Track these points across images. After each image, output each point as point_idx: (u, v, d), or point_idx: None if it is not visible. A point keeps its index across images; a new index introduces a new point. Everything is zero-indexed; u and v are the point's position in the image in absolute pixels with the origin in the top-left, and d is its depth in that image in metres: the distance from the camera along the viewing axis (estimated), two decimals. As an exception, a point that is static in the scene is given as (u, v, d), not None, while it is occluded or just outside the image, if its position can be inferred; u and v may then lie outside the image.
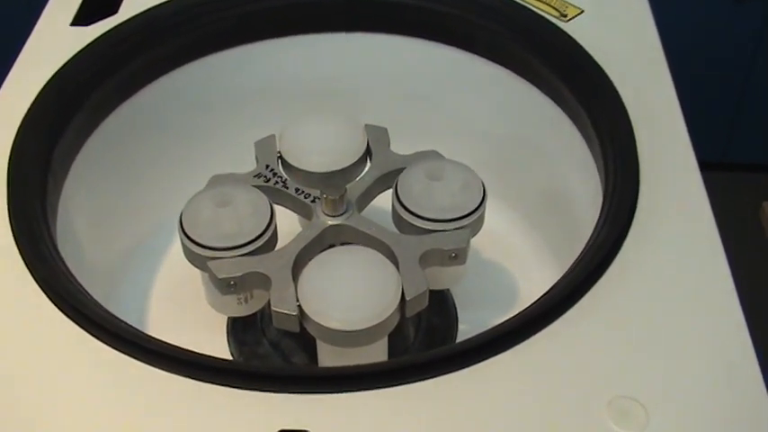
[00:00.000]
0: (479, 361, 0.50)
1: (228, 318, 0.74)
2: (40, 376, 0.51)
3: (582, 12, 0.76)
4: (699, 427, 0.47)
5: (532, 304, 0.53)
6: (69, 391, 0.50)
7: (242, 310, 0.71)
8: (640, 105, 0.67)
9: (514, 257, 0.80)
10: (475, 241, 0.66)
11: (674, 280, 0.55)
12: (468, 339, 0.52)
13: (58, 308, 0.54)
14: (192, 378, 0.49)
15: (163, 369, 0.50)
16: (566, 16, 0.75)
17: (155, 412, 0.49)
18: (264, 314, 0.73)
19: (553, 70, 0.72)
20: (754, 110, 1.42)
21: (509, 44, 0.75)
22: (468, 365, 0.49)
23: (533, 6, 0.76)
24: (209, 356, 0.52)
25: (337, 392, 0.49)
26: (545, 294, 0.54)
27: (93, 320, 0.53)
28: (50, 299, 0.54)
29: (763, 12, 1.31)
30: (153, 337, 0.53)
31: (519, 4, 0.76)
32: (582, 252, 0.57)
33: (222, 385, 0.49)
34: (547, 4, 0.76)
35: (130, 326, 0.54)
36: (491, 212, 0.68)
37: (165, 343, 0.53)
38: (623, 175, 0.62)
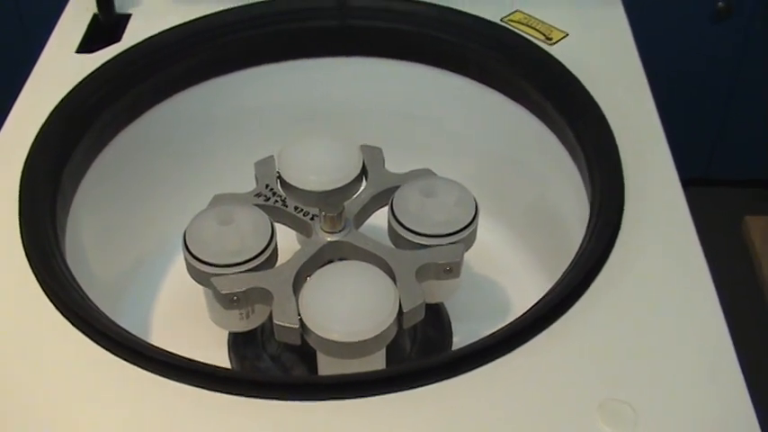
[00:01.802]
0: (476, 367, 0.52)
1: (229, 333, 0.76)
2: (50, 384, 0.53)
3: (566, 35, 0.79)
4: (685, 425, 0.50)
5: (525, 313, 0.56)
6: (78, 399, 0.52)
7: (243, 326, 0.73)
8: (623, 123, 0.70)
9: (505, 272, 0.83)
10: (468, 257, 0.69)
11: (658, 289, 0.58)
12: (464, 347, 0.55)
13: (68, 320, 0.56)
14: (197, 386, 0.52)
15: (168, 378, 0.52)
16: (551, 39, 0.79)
17: (160, 419, 0.51)
18: (265, 329, 0.76)
19: (540, 91, 0.75)
20: (735, 127, 1.46)
21: (499, 67, 0.78)
22: (464, 372, 0.52)
23: (521, 31, 0.79)
24: (213, 366, 0.54)
25: (337, 399, 0.51)
26: (536, 304, 0.57)
27: (101, 331, 0.55)
28: (60, 311, 0.57)
29: (743, 29, 1.35)
30: (159, 348, 0.56)
31: (508, 29, 0.80)
32: (570, 263, 0.60)
33: (225, 393, 0.51)
34: (534, 29, 0.79)
35: (137, 337, 0.57)
36: (483, 229, 0.71)
37: (171, 353, 0.55)
38: (609, 189, 0.65)
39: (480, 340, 0.55)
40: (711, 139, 1.46)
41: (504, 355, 0.53)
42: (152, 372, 0.53)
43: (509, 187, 0.84)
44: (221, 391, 0.51)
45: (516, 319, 0.56)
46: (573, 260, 0.60)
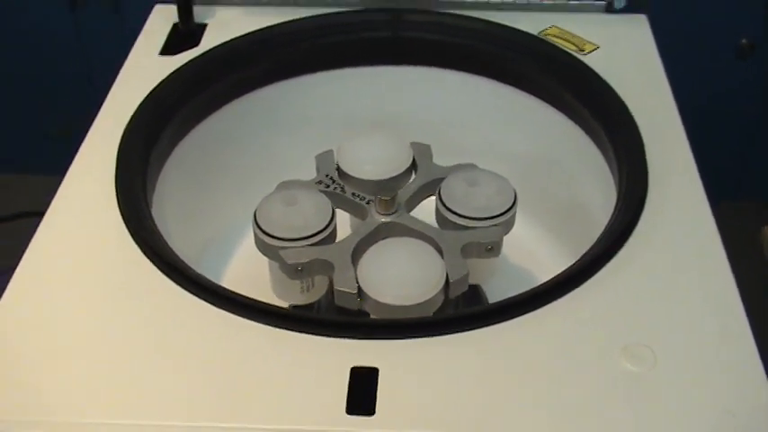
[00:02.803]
0: (515, 317, 0.60)
1: (290, 306, 0.84)
2: (152, 337, 0.61)
3: (597, 47, 0.88)
4: (697, 365, 0.57)
5: (559, 274, 0.64)
6: (176, 346, 0.60)
7: (304, 299, 0.81)
8: (649, 126, 0.78)
9: (539, 262, 0.91)
10: (505, 248, 0.77)
11: (677, 257, 0.66)
12: (509, 298, 0.63)
13: (163, 272, 0.65)
14: (280, 327, 0.60)
15: (255, 321, 0.60)
16: (583, 51, 0.87)
17: (245, 356, 0.59)
18: (321, 304, 0.84)
19: (576, 97, 0.84)
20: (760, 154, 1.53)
21: (537, 75, 0.87)
22: (509, 319, 0.60)
23: (556, 42, 0.88)
24: (293, 310, 0.62)
25: (401, 338, 0.59)
26: (570, 267, 0.65)
27: (196, 282, 0.64)
28: (156, 265, 0.65)
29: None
30: (246, 296, 0.64)
31: (544, 40, 0.89)
32: (599, 236, 0.68)
33: (304, 333, 0.59)
34: (568, 41, 0.88)
35: (226, 288, 0.65)
36: (519, 224, 0.79)
37: (258, 301, 0.63)
38: (634, 178, 0.73)
39: (525, 292, 0.63)
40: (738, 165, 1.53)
41: (540, 307, 0.61)
42: (242, 316, 0.61)
43: (545, 186, 0.91)
44: (301, 332, 0.60)
45: (556, 275, 0.64)
46: (601, 234, 0.68)
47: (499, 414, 0.55)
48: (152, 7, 0.96)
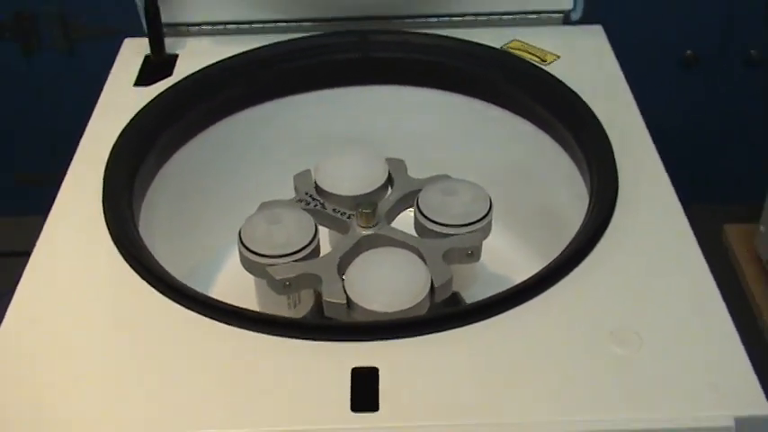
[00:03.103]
0: (509, 309, 0.63)
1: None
2: (154, 355, 0.62)
3: (558, 57, 0.92)
4: (679, 346, 0.60)
5: (547, 266, 0.67)
6: (173, 357, 0.61)
7: (292, 314, 0.83)
8: (614, 127, 0.82)
9: (515, 270, 0.93)
10: (482, 258, 0.79)
11: (654, 246, 0.69)
12: (497, 294, 0.65)
13: (151, 285, 0.67)
14: (282, 336, 0.62)
15: (254, 331, 0.62)
16: (545, 61, 0.91)
17: (252, 366, 0.60)
18: (308, 319, 0.86)
19: (543, 104, 0.87)
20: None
21: (503, 86, 0.90)
22: (499, 313, 0.62)
23: (520, 54, 0.92)
24: (291, 318, 0.64)
25: (397, 338, 0.61)
26: (555, 259, 0.68)
27: (200, 301, 0.65)
28: (145, 280, 0.67)
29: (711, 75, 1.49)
30: (244, 308, 0.66)
31: (508, 52, 0.92)
32: (577, 233, 0.71)
33: (304, 339, 0.61)
34: (530, 53, 0.92)
35: (224, 302, 0.66)
36: (494, 233, 0.81)
37: (256, 312, 0.65)
38: (605, 178, 0.76)
39: (516, 285, 0.65)
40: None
41: (530, 300, 0.64)
42: (241, 327, 0.63)
43: (519, 195, 0.94)
44: (299, 338, 0.61)
45: (545, 266, 0.67)
46: (579, 230, 0.71)
47: (495, 399, 0.57)
48: (108, 48, 0.98)
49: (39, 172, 1.44)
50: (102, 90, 0.90)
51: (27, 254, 0.71)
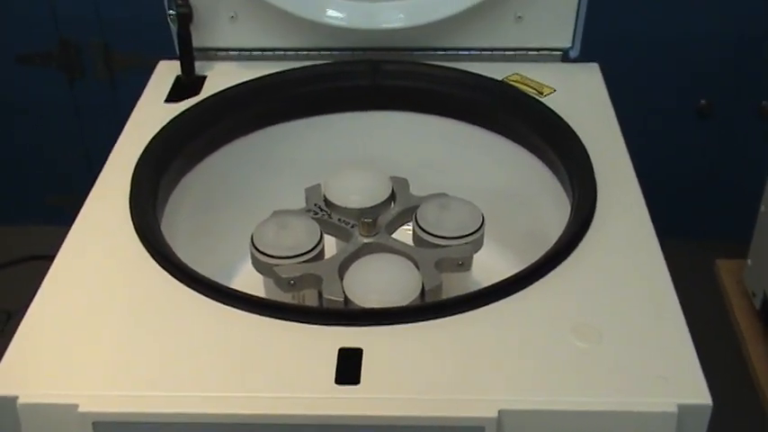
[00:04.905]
0: (484, 305, 0.70)
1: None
2: (164, 335, 0.70)
3: (554, 90, 0.99)
4: (634, 343, 0.66)
5: (522, 270, 0.74)
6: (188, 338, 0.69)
7: (295, 313, 0.90)
8: (599, 154, 0.88)
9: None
10: (475, 274, 0.86)
11: (623, 257, 0.75)
12: (479, 290, 0.72)
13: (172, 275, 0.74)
14: (282, 319, 0.69)
15: (259, 314, 0.69)
16: (542, 93, 0.98)
17: (253, 344, 0.67)
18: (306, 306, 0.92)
19: (537, 133, 0.94)
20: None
21: (502, 115, 0.98)
22: (478, 307, 0.70)
23: (519, 86, 0.99)
24: (285, 302, 0.71)
25: (381, 325, 0.68)
26: (530, 265, 0.74)
27: (213, 287, 0.73)
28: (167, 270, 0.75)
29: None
30: (254, 295, 0.73)
31: (508, 84, 1.00)
32: (556, 241, 0.78)
33: (300, 322, 0.68)
34: (528, 86, 0.99)
35: (237, 290, 0.74)
36: (487, 253, 0.89)
37: (262, 298, 0.72)
38: (584, 195, 0.83)
39: (493, 284, 0.72)
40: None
41: (502, 298, 0.70)
42: (243, 310, 0.70)
43: (512, 215, 1.01)
44: (293, 321, 0.69)
45: (512, 275, 0.73)
46: (555, 242, 0.78)
47: (466, 379, 0.64)
48: (147, 78, 1.07)
49: (69, 195, 1.52)
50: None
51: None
